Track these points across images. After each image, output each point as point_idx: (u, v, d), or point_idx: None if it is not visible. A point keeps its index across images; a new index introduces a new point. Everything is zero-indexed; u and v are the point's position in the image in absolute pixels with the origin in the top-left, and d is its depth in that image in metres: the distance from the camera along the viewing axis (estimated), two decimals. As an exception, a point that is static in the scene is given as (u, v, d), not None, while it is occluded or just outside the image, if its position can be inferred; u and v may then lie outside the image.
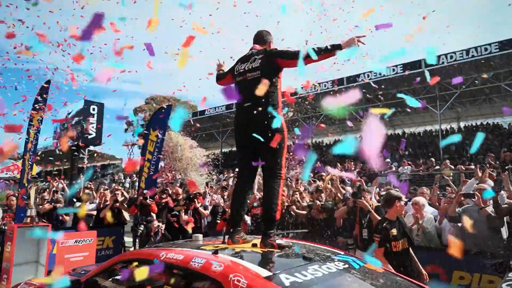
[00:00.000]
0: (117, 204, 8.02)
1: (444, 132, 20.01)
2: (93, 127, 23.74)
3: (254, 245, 2.80)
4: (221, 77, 3.57)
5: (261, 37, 3.35)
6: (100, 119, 24.45)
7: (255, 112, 2.85)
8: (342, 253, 2.79)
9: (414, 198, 5.25)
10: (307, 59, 2.83)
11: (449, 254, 4.43)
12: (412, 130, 25.33)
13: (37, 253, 5.65)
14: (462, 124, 23.25)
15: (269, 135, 2.82)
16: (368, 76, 20.50)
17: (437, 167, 12.22)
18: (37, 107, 5.93)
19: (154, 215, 7.88)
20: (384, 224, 3.85)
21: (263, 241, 2.75)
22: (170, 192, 9.25)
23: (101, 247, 7.86)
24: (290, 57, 2.92)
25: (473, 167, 10.85)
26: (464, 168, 10.17)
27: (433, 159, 13.08)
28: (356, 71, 21.13)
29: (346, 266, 2.42)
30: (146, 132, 9.09)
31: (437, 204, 6.01)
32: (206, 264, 2.23)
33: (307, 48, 2.84)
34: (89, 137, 22.41)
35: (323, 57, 2.86)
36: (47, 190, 11.43)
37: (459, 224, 4.69)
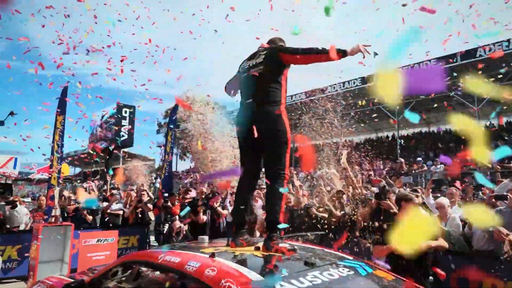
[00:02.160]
0: (140, 204, 8.18)
1: (483, 129, 18.83)
2: (125, 129, 24.66)
3: (257, 248, 2.69)
4: (229, 82, 3.50)
5: (271, 41, 3.26)
6: (132, 122, 25.39)
7: (256, 109, 2.75)
8: (351, 258, 2.62)
9: (437, 200, 4.91)
10: (309, 55, 2.72)
11: (479, 259, 4.11)
12: (448, 127, 24.06)
13: (62, 251, 5.86)
14: (503, 120, 21.77)
15: (271, 133, 2.70)
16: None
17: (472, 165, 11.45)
18: (59, 110, 6.18)
19: (176, 216, 7.97)
20: (387, 224, 3.63)
21: (265, 244, 2.63)
22: (194, 194, 9.35)
23: (126, 246, 8.09)
24: (292, 52, 2.81)
25: (512, 165, 10.09)
26: (499, 167, 9.44)
27: (468, 158, 12.25)
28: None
29: (351, 272, 2.25)
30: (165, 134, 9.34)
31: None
32: (200, 268, 2.15)
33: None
34: (122, 139, 23.33)
35: (325, 58, 2.73)
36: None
37: (491, 228, 4.32)
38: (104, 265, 3.20)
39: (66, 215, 7.74)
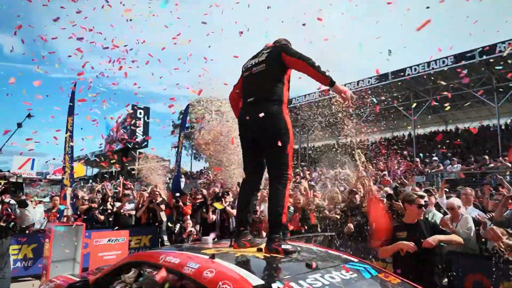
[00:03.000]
0: (152, 204, 8.25)
1: (503, 127, 18.23)
2: (140, 130, 25.17)
3: (260, 250, 2.64)
4: (234, 86, 3.36)
5: (277, 42, 3.20)
6: (146, 123, 25.89)
7: (257, 108, 2.71)
8: (356, 260, 2.54)
9: (448, 201, 4.74)
10: (307, 66, 2.68)
11: (495, 263, 3.95)
12: (467, 125, 23.44)
13: (74, 251, 5.94)
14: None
15: (272, 132, 2.65)
16: (415, 70, 19.34)
17: (492, 165, 11.04)
18: (71, 112, 6.30)
19: (188, 217, 8.01)
20: (395, 224, 3.53)
21: (267, 246, 2.58)
22: (205, 192, 9.37)
23: (138, 246, 8.17)
24: (293, 55, 2.75)
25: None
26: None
27: (486, 157, 11.84)
28: (403, 65, 19.96)
29: (355, 275, 2.18)
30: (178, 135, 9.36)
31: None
32: (199, 269, 2.12)
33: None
34: (136, 139, 23.78)
35: (315, 75, 2.68)
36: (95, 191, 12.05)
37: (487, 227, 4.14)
38: (108, 266, 3.21)
39: (79, 215, 7.86)
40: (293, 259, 2.42)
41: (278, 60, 2.83)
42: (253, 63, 3.00)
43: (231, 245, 2.82)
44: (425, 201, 3.67)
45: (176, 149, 9.95)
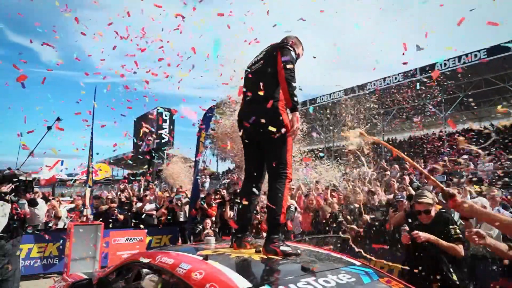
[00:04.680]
0: (171, 204, 8.35)
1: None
2: (165, 131, 25.70)
3: (258, 251, 2.57)
4: None
5: (284, 38, 3.11)
6: (171, 124, 26.44)
7: (254, 106, 2.65)
8: (358, 263, 2.41)
9: (473, 200, 4.45)
10: (284, 80, 2.61)
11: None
12: (502, 121, 22.15)
13: (94, 249, 6.10)
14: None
15: (270, 130, 2.58)
16: (445, 65, 18.50)
17: (527, 163, 10.33)
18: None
19: (213, 218, 8.06)
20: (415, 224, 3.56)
21: (265, 247, 2.51)
22: (223, 192, 9.38)
23: (159, 245, 8.30)
24: (284, 60, 2.65)
25: None
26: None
27: (518, 154, 11.08)
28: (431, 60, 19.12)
29: (352, 279, 2.06)
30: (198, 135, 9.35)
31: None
32: (189, 270, 2.09)
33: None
34: (162, 141, 24.33)
35: (285, 92, 2.61)
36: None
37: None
38: (111, 266, 3.25)
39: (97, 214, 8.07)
40: (289, 261, 2.33)
41: (275, 58, 2.76)
42: (253, 62, 2.97)
43: (231, 245, 2.77)
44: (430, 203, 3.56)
45: (196, 151, 9.94)
